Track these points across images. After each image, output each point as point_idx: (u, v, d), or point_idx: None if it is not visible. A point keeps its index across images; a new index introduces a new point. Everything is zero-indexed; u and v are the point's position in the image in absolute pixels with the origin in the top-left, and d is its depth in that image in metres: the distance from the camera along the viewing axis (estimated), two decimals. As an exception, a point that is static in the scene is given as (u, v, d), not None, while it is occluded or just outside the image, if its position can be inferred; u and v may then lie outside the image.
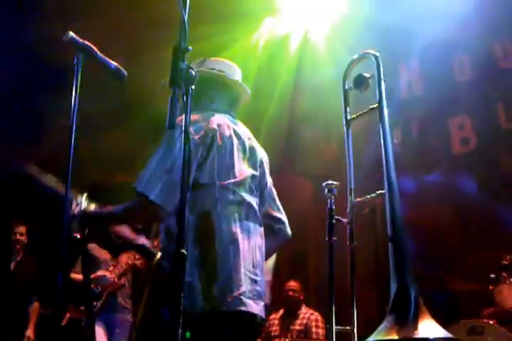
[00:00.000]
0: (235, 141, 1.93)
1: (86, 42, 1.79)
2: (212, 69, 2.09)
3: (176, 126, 1.58)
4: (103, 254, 4.32)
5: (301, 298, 5.00)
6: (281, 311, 5.00)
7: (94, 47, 1.83)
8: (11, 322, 4.06)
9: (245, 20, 5.10)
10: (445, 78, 5.03)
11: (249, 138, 2.02)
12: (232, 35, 5.14)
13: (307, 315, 4.88)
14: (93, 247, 4.24)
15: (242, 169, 1.89)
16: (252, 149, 2.00)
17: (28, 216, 4.55)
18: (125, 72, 1.97)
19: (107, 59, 1.90)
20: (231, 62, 2.19)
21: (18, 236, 4.25)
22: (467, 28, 4.73)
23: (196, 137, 1.83)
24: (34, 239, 4.38)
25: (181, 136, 1.53)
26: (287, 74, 5.50)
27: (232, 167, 1.86)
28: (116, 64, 1.93)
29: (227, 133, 1.90)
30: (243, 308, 1.69)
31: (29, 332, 4.13)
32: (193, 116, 1.88)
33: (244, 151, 1.95)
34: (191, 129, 1.79)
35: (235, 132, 1.95)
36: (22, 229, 4.28)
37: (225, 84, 2.08)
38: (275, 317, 4.97)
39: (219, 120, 1.93)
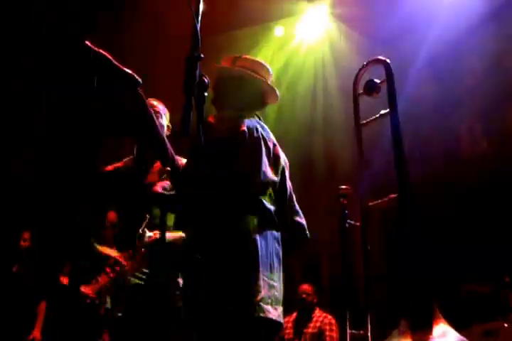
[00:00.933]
0: (262, 145, 1.89)
1: (101, 51, 1.82)
2: (243, 67, 2.04)
3: None
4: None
5: (315, 301, 5.00)
6: (295, 314, 5.00)
7: (109, 56, 1.86)
8: (16, 322, 4.15)
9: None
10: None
11: (274, 145, 2.00)
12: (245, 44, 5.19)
13: (321, 318, 4.88)
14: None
15: (266, 175, 1.87)
16: (276, 155, 1.97)
17: (32, 222, 4.70)
18: (140, 80, 2.01)
19: (122, 67, 1.93)
20: (263, 62, 2.14)
21: (22, 242, 4.41)
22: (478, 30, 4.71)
23: (225, 136, 1.81)
24: (38, 244, 4.53)
25: None
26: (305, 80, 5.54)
27: (257, 171, 1.84)
28: (131, 72, 1.96)
29: (255, 136, 1.88)
30: (262, 314, 1.69)
31: (35, 333, 4.19)
32: (222, 114, 1.91)
33: (269, 157, 1.92)
34: (221, 127, 1.81)
35: (262, 136, 1.92)
36: (26, 234, 4.45)
37: (254, 85, 2.03)
38: (288, 320, 4.97)
39: (248, 122, 1.90)
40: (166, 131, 2.54)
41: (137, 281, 2.27)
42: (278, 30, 5.27)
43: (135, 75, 1.97)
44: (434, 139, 5.17)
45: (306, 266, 5.93)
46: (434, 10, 4.74)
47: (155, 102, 2.55)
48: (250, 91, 2.04)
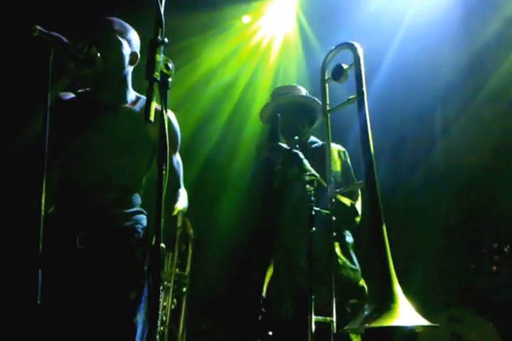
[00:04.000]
0: None
1: (54, 33, 1.73)
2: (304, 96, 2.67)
3: None
4: None
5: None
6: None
7: (63, 37, 1.78)
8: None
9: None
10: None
11: None
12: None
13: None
14: None
15: None
16: None
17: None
18: (99, 58, 1.93)
19: (79, 44, 1.86)
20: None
21: None
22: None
23: None
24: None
25: None
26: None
27: None
28: (88, 49, 1.88)
29: None
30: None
31: None
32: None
33: None
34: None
35: None
36: None
37: (313, 111, 2.61)
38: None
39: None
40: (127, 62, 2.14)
41: None
42: (245, 18, 5.23)
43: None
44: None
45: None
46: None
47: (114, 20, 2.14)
48: (312, 116, 2.76)
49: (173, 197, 2.24)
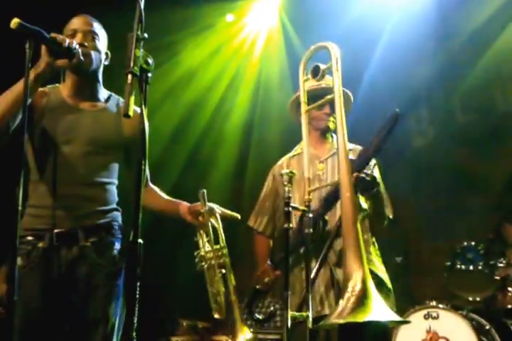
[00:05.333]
0: None
1: (34, 27, 1.74)
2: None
3: None
4: None
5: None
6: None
7: (43, 31, 1.78)
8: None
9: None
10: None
11: None
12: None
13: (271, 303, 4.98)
14: None
15: None
16: None
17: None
18: (79, 50, 1.93)
19: (60, 37, 1.86)
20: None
21: None
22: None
23: None
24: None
25: None
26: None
27: None
28: (69, 44, 1.88)
29: None
30: None
31: None
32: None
33: None
34: None
35: None
36: None
37: None
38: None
39: None
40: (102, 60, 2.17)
41: None
42: (229, 17, 5.24)
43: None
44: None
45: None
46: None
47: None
48: None
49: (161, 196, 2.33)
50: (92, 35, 2.11)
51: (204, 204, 2.20)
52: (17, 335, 1.84)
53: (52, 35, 1.84)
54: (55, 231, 2.01)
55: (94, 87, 2.19)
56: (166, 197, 2.35)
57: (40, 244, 2.00)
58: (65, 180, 2.06)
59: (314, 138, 2.72)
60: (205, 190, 2.21)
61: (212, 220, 2.22)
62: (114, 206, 2.18)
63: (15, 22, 1.70)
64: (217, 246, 2.19)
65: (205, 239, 2.22)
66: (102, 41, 2.16)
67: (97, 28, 2.16)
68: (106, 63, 2.23)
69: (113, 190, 2.18)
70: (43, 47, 1.84)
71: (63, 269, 2.00)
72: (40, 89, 2.11)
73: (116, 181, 2.21)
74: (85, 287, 2.01)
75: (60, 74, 2.19)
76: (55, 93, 2.17)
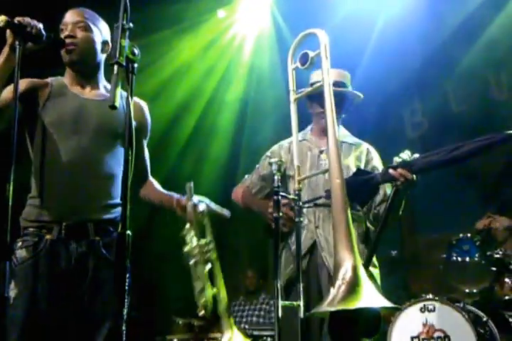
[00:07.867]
0: None
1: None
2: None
3: None
4: None
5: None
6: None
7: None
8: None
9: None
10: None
11: None
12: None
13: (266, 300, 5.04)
14: None
15: None
16: None
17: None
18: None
19: (25, 21, 1.86)
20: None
21: None
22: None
23: None
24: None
25: None
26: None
27: None
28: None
29: None
30: None
31: None
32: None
33: None
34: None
35: None
36: None
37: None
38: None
39: None
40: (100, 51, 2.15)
41: None
42: (220, 13, 5.23)
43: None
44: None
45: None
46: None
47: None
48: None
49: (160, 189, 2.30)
50: (83, 26, 2.09)
51: (189, 198, 2.14)
52: (20, 327, 1.82)
53: (17, 18, 1.84)
54: (64, 223, 1.98)
55: (95, 77, 2.17)
56: (162, 190, 2.31)
57: (48, 236, 1.96)
58: (72, 170, 2.01)
59: (320, 128, 2.70)
60: (192, 183, 2.15)
61: (197, 215, 2.13)
62: (119, 201, 2.13)
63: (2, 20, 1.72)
64: (204, 241, 2.13)
65: (192, 234, 2.16)
66: (97, 32, 2.13)
67: (91, 19, 2.14)
68: (107, 53, 2.17)
69: (119, 183, 2.12)
70: (8, 31, 1.85)
71: (72, 262, 1.96)
72: (43, 80, 2.11)
73: (121, 173, 2.17)
74: (93, 281, 1.98)
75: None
76: (58, 84, 2.15)
